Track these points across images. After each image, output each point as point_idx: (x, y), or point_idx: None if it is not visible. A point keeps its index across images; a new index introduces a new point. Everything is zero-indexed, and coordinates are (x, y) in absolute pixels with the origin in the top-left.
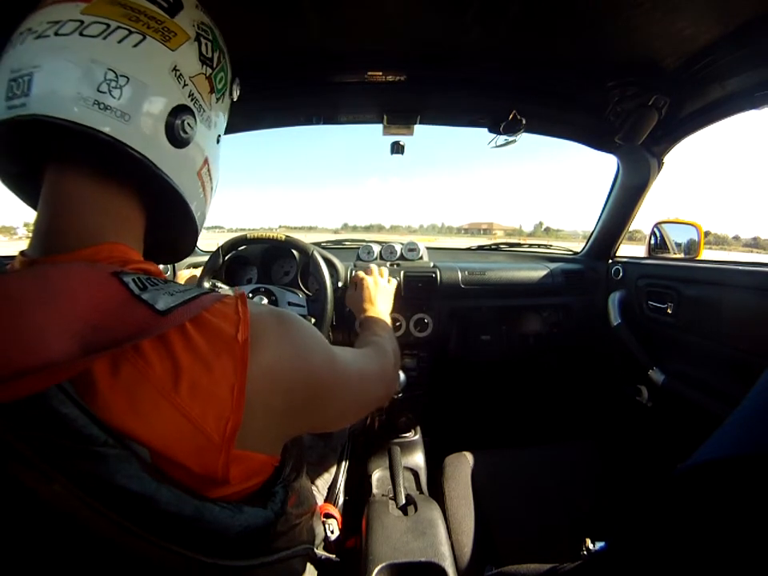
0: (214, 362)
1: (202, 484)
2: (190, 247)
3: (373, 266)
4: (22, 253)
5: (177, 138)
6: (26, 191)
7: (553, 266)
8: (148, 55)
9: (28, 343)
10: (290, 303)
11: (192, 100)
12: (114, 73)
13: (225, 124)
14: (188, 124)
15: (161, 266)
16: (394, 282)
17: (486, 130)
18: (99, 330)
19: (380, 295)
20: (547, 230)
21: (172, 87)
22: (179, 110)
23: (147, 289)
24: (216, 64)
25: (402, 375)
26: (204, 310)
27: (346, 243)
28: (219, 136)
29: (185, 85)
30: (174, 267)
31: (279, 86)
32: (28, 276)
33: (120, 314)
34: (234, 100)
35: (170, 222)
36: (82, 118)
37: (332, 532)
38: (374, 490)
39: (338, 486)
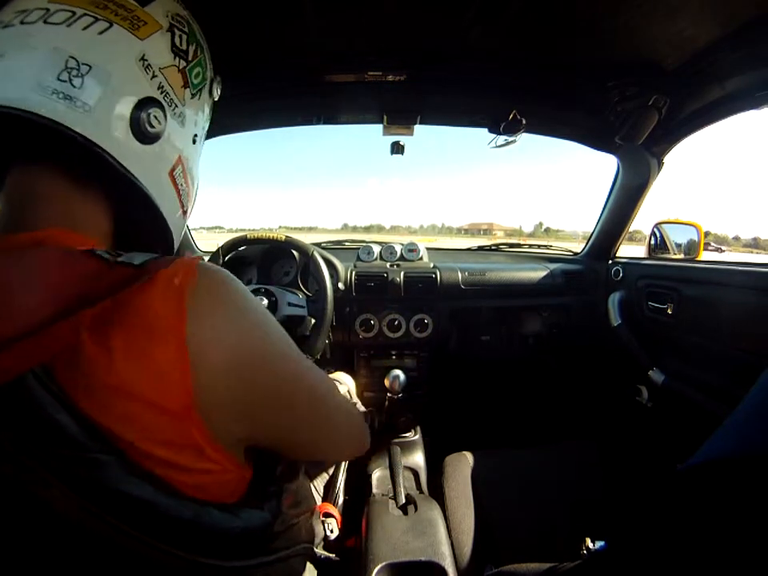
0: (157, 338)
1: (187, 459)
2: (167, 252)
3: None
4: None
5: (143, 132)
6: None
7: (553, 266)
8: (113, 43)
9: (18, 318)
10: (289, 303)
11: (162, 93)
12: (76, 60)
13: (205, 124)
14: (155, 117)
15: None
16: None
17: (486, 130)
18: (83, 297)
19: None
20: (547, 230)
21: (139, 78)
22: (146, 103)
23: (121, 255)
24: (192, 57)
25: (402, 375)
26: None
27: (346, 244)
28: (196, 136)
29: (154, 76)
30: None
31: (279, 86)
32: (7, 261)
33: (102, 277)
34: (215, 99)
35: (141, 224)
36: (40, 108)
37: (331, 531)
38: (374, 490)
39: (337, 485)
